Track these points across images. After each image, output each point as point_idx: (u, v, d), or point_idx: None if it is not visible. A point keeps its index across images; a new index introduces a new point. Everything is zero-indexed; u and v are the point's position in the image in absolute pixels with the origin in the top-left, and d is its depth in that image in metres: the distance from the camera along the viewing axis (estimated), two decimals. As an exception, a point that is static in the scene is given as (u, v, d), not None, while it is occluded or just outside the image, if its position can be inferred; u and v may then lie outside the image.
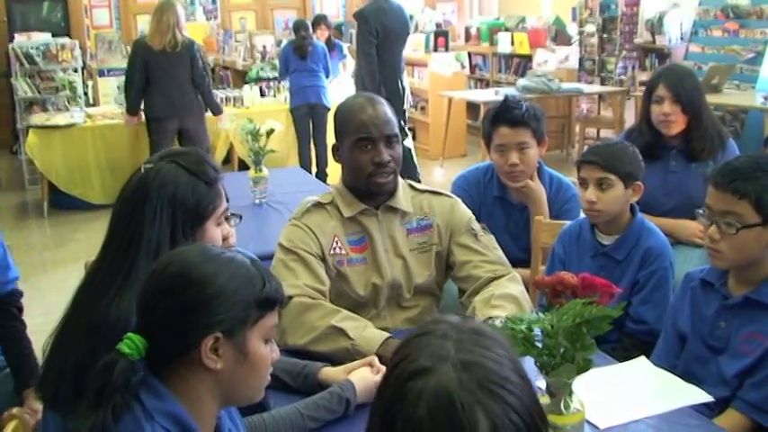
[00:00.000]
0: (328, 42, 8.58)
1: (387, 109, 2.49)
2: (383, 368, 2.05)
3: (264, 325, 1.45)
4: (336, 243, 2.47)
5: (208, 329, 1.38)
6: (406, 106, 7.30)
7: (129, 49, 9.21)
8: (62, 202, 7.63)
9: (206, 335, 1.38)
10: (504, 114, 3.08)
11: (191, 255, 1.44)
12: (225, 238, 1.98)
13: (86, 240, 6.49)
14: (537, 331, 1.57)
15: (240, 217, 2.10)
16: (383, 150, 2.42)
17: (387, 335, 2.23)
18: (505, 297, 2.35)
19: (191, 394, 1.41)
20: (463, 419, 0.97)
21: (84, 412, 1.33)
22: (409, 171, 6.82)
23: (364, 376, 2.02)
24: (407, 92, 7.35)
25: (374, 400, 1.08)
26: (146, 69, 6.75)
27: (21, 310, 2.79)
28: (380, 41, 6.93)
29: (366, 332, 2.24)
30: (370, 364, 2.07)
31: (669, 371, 2.19)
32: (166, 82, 6.78)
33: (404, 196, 2.55)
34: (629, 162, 2.65)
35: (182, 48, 6.71)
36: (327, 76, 7.90)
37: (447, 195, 2.65)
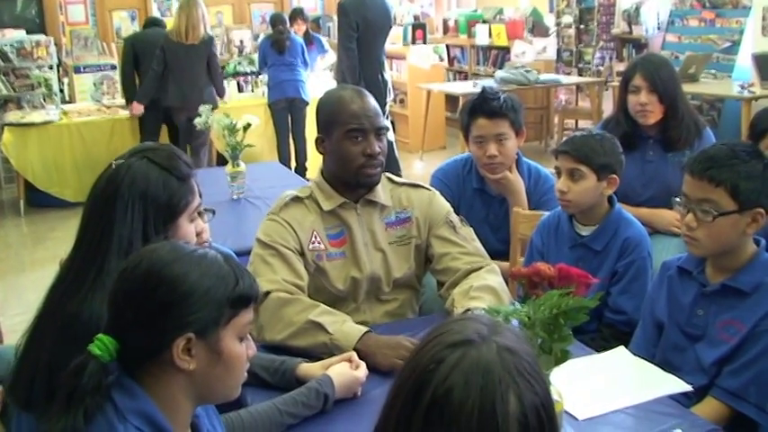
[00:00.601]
0: (306, 36, 8.53)
1: (374, 101, 2.48)
2: (362, 363, 2.04)
3: (238, 323, 1.42)
4: (315, 237, 2.45)
5: (179, 330, 1.35)
6: (387, 100, 7.27)
7: (105, 45, 9.19)
8: (39, 201, 7.56)
9: (177, 336, 1.35)
10: (482, 106, 3.08)
11: (161, 254, 1.40)
12: (198, 234, 1.96)
13: (64, 239, 6.41)
14: (514, 322, 1.57)
15: (213, 212, 2.07)
16: (374, 142, 2.41)
17: (365, 329, 2.21)
18: (484, 288, 2.34)
19: (165, 394, 1.39)
20: (497, 394, 1.00)
21: (55, 415, 1.31)
22: (390, 165, 6.78)
23: (343, 371, 2.00)
24: (389, 86, 7.32)
25: (404, 366, 1.09)
26: (164, 60, 6.98)
27: None
28: (361, 35, 6.87)
29: (344, 326, 2.22)
30: (349, 360, 2.05)
31: (647, 360, 2.20)
32: (182, 73, 6.99)
33: (383, 190, 2.53)
34: (603, 154, 2.64)
35: (201, 42, 6.93)
36: (306, 70, 7.86)
37: (425, 188, 2.64)
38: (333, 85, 8.14)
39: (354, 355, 2.07)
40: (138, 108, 7.30)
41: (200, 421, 1.52)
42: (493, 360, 1.02)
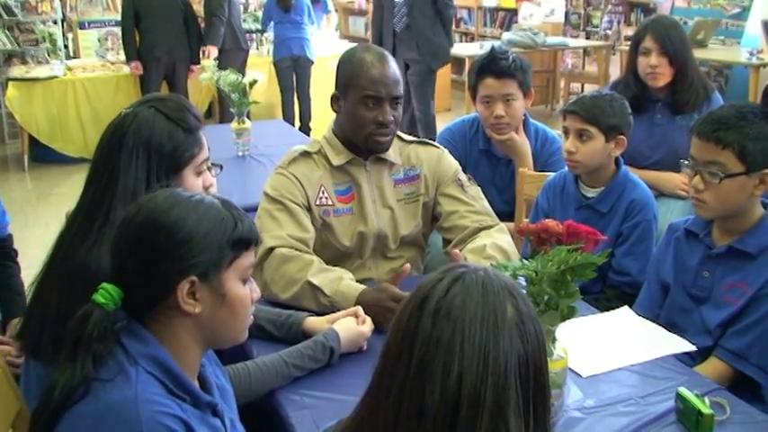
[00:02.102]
0: (311, -5, 8.45)
1: (396, 68, 2.44)
2: (368, 318, 2.05)
3: (240, 265, 1.44)
4: (323, 193, 2.45)
5: (182, 274, 1.37)
6: None
7: (109, 1, 9.11)
8: (43, 156, 7.56)
9: (180, 280, 1.37)
10: (491, 65, 3.05)
11: (158, 201, 1.41)
12: (206, 189, 1.96)
13: (67, 194, 6.43)
14: (521, 278, 1.57)
15: (221, 167, 2.08)
16: (388, 111, 2.39)
17: (361, 287, 2.21)
18: (496, 248, 2.35)
19: (173, 339, 1.40)
20: (496, 301, 1.08)
21: (62, 364, 1.32)
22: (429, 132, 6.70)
23: (349, 326, 2.01)
24: None
25: (405, 300, 1.14)
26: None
27: (16, 252, 2.81)
28: None
29: (341, 286, 2.22)
30: (355, 315, 2.07)
31: (652, 320, 2.21)
32: (239, 17, 7.63)
33: (392, 147, 2.52)
34: (612, 115, 2.63)
35: None
36: (312, 28, 7.81)
37: (434, 146, 2.63)
38: (338, 44, 8.10)
39: (360, 310, 2.08)
40: (214, 52, 7.39)
41: (206, 370, 1.54)
42: (489, 278, 1.11)
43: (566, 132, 2.68)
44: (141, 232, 1.38)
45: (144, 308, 1.40)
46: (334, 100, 2.48)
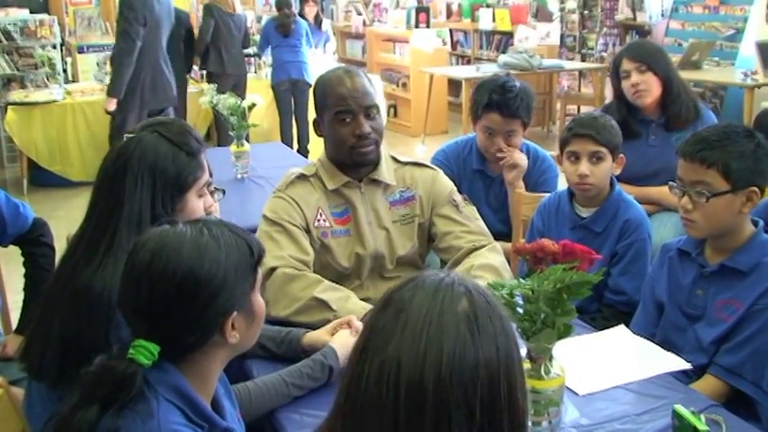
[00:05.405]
0: (316, 19, 8.50)
1: (365, 80, 2.49)
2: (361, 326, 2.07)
3: (258, 280, 1.52)
4: (320, 215, 2.48)
5: (226, 315, 1.44)
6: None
7: (108, 25, 9.18)
8: (42, 180, 7.58)
9: (225, 320, 1.44)
10: (500, 102, 3.08)
11: (186, 255, 1.42)
12: (207, 211, 1.99)
13: (67, 218, 6.44)
14: (518, 297, 1.59)
15: (224, 191, 2.11)
16: (363, 122, 2.43)
17: (369, 306, 2.24)
18: (485, 267, 2.37)
19: (205, 372, 1.46)
20: (446, 294, 1.07)
21: (88, 407, 1.33)
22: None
23: (347, 342, 2.02)
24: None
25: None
26: (216, 29, 7.57)
27: (51, 237, 2.80)
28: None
29: (348, 304, 2.25)
30: (349, 324, 2.10)
31: (648, 339, 2.23)
32: (231, 41, 7.69)
33: (387, 168, 2.55)
34: (615, 135, 2.68)
35: (238, 15, 7.77)
36: (309, 50, 7.87)
37: (429, 167, 2.66)
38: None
39: (354, 319, 2.11)
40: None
41: (218, 393, 1.57)
42: (449, 278, 1.10)
43: (574, 156, 2.66)
44: (181, 289, 1.40)
45: (185, 353, 1.43)
46: (316, 125, 2.54)
